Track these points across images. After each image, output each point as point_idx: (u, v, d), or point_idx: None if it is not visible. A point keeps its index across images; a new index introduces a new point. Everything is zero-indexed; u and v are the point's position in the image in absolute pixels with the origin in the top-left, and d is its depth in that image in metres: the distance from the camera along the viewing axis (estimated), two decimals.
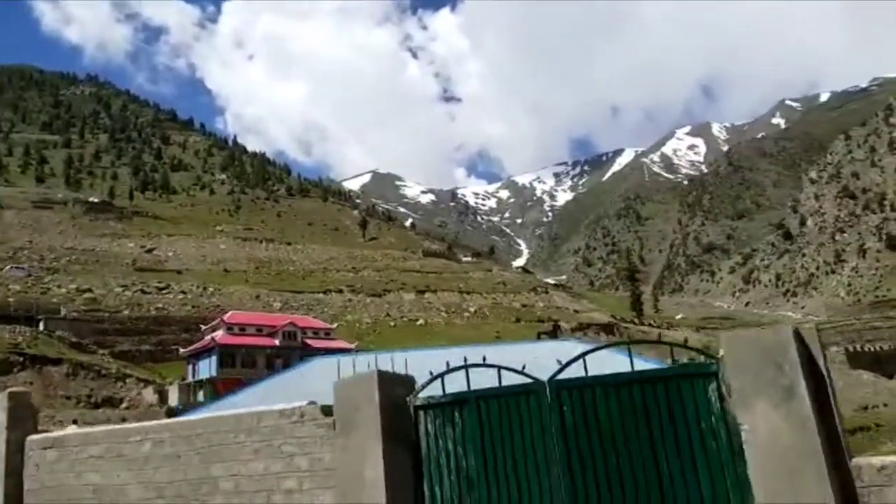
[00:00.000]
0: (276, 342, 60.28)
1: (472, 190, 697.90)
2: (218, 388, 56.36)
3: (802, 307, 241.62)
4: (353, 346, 66.76)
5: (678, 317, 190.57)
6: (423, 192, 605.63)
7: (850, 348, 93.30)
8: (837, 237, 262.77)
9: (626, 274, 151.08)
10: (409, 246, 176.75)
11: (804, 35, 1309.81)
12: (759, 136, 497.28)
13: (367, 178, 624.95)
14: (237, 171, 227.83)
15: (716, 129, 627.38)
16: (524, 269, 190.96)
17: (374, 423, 6.74)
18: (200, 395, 56.40)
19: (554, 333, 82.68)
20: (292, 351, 61.29)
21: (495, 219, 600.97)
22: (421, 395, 7.07)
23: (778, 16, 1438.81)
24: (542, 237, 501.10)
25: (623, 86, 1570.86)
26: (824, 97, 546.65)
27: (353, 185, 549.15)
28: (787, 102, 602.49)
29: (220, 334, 57.72)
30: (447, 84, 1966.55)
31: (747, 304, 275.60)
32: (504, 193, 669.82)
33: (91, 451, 9.02)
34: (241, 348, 58.05)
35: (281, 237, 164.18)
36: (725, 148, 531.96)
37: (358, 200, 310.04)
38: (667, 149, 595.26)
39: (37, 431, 10.19)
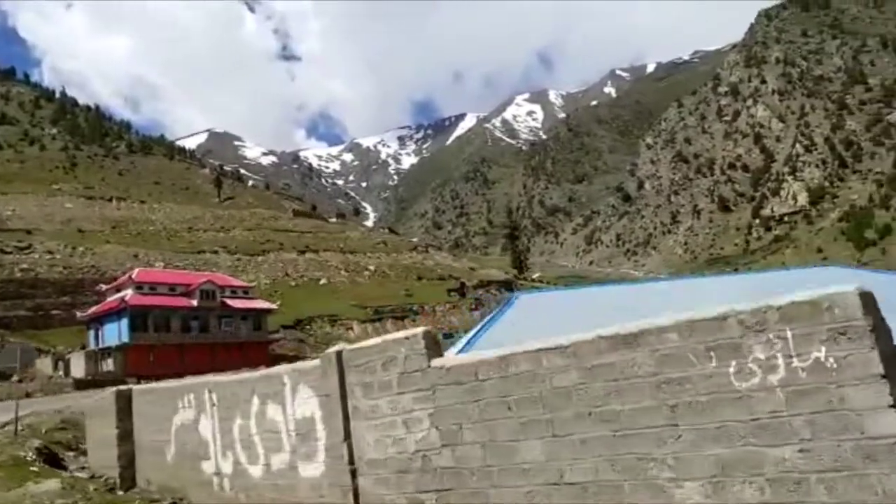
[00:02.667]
0: (194, 302, 53.96)
1: (315, 152, 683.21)
2: (130, 357, 49.74)
3: (643, 265, 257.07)
4: (274, 305, 61.68)
5: (535, 275, 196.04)
6: (265, 154, 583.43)
7: None
8: (673, 199, 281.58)
9: (507, 233, 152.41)
10: (269, 206, 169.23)
11: (632, 8, 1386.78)
12: (593, 103, 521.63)
13: (203, 137, 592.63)
14: (69, 126, 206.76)
15: (552, 96, 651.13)
16: (391, 230, 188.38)
17: None
18: (110, 364, 49.52)
19: (462, 291, 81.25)
20: (210, 312, 55.37)
21: (339, 182, 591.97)
22: None
23: None
24: (388, 200, 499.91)
25: (465, 50, 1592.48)
26: (651, 68, 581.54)
27: (189, 144, 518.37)
28: (618, 72, 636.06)
29: (129, 294, 50.52)
30: (287, 41, 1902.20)
31: (591, 262, 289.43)
32: (348, 156, 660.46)
33: None
34: (154, 310, 51.31)
35: (128, 196, 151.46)
36: (562, 115, 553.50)
37: (210, 160, 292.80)
38: (507, 114, 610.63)
39: None
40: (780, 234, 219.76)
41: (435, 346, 5.53)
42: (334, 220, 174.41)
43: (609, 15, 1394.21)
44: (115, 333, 50.43)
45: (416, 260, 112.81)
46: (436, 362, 5.35)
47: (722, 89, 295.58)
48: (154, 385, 11.27)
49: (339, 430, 6.18)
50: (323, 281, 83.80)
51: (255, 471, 7.48)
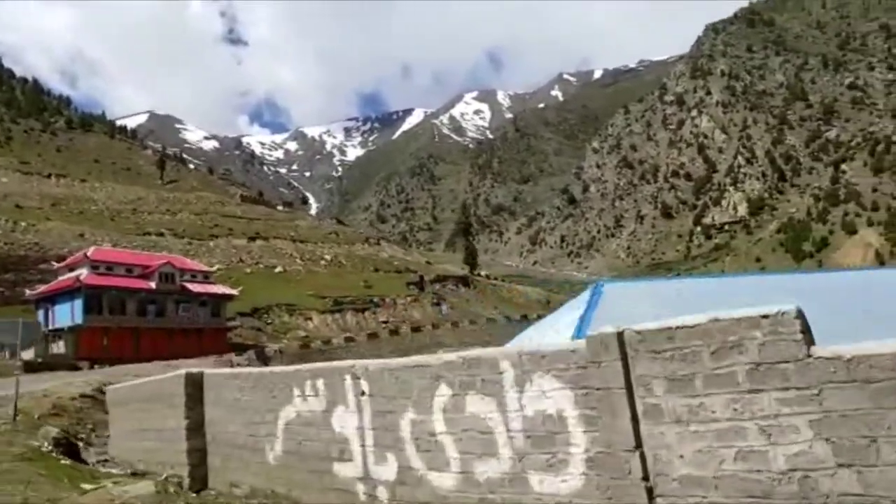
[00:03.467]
0: (152, 285, 51.00)
1: (259, 139, 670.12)
2: (83, 339, 46.69)
3: (586, 267, 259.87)
4: (235, 291, 59.03)
5: (483, 273, 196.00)
6: (206, 138, 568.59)
7: None
8: (617, 203, 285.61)
9: (461, 228, 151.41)
10: (213, 191, 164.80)
11: (581, 13, 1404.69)
12: (540, 106, 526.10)
13: (142, 118, 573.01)
14: (5, 99, 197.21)
15: (500, 96, 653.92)
16: (339, 221, 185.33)
17: None
18: (62, 346, 46.34)
19: (421, 285, 79.78)
20: (168, 296, 52.53)
21: (282, 170, 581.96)
22: None
23: None
24: (331, 192, 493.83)
25: (415, 45, 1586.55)
26: (598, 74, 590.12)
27: (129, 125, 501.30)
28: (565, 76, 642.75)
29: (84, 273, 47.29)
30: (234, 25, 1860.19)
31: (535, 263, 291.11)
32: (292, 145, 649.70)
33: None
34: (110, 290, 48.22)
35: (67, 173, 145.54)
36: (509, 115, 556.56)
37: (150, 142, 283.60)
38: (455, 111, 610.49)
39: None
40: (720, 242, 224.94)
41: (808, 330, 4.21)
42: (282, 208, 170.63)
43: (557, 19, 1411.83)
44: (68, 314, 47.32)
45: (370, 252, 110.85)
46: (820, 351, 4.05)
47: (668, 98, 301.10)
48: (252, 369, 9.56)
49: (620, 434, 4.80)
50: (278, 269, 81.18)
51: (444, 480, 6.01)
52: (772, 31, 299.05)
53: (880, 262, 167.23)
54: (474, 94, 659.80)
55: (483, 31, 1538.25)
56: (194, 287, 54.29)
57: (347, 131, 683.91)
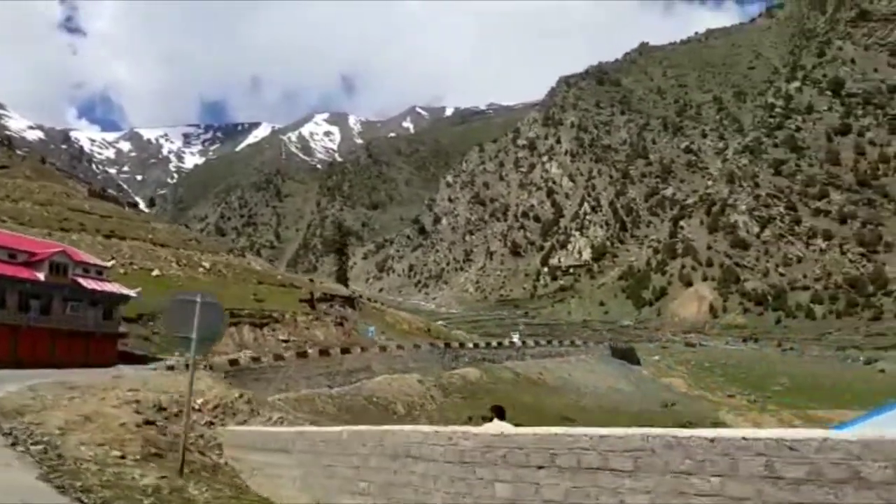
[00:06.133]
0: (41, 276, 43.31)
1: (89, 135, 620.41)
2: None
3: (434, 298, 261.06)
4: (134, 292, 51.83)
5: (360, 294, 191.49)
6: (31, 128, 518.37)
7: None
8: (468, 238, 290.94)
9: (336, 246, 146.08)
10: (56, 181, 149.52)
11: (437, 51, 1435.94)
12: (391, 135, 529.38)
13: None
14: None
15: (352, 120, 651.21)
16: (188, 227, 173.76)
17: None
18: None
19: (312, 303, 75.10)
20: (58, 289, 44.95)
21: (112, 170, 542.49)
22: None
23: (419, 26, 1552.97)
24: (165, 198, 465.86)
25: (267, 59, 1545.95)
26: (449, 111, 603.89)
27: None
28: (418, 109, 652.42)
29: None
30: (73, 13, 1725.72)
31: (381, 290, 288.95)
32: (125, 145, 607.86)
33: None
34: None
35: None
36: (359, 140, 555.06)
37: None
38: (305, 130, 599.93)
39: None
40: (565, 284, 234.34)
41: None
42: (129, 209, 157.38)
43: (413, 53, 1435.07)
44: None
45: (239, 263, 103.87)
46: None
47: (521, 142, 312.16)
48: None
49: None
50: (156, 272, 73.51)
51: None
52: (618, 90, 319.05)
53: (713, 314, 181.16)
54: (325, 115, 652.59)
55: (339, 55, 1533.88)
56: (87, 283, 47.11)
57: (187, 137, 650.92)
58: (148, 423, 13.50)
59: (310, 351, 48.75)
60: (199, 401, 16.08)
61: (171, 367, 39.40)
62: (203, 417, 15.44)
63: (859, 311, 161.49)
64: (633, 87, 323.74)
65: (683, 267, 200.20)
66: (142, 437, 12.10)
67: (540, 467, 5.74)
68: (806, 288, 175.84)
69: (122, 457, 10.58)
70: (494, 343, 68.37)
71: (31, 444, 11.15)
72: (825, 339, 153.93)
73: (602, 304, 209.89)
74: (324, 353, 48.07)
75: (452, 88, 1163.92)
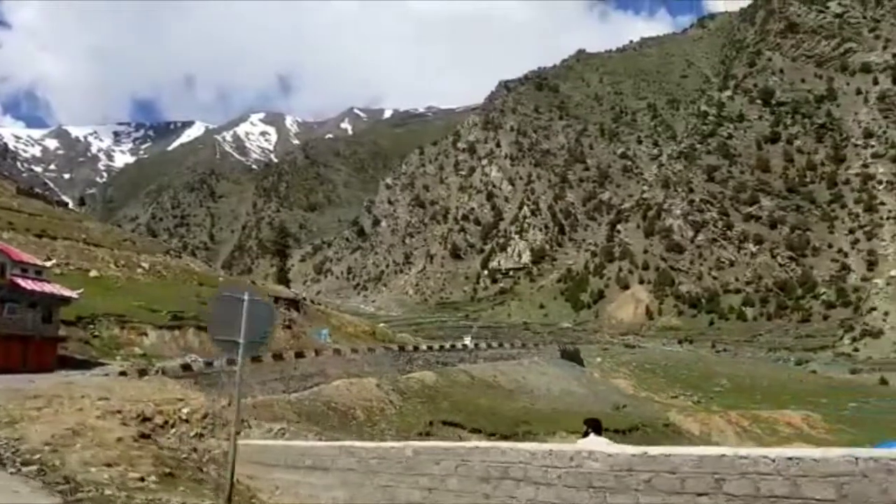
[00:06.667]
0: None
1: (13, 132, 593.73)
2: None
3: (373, 301, 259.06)
4: (75, 293, 49.17)
5: (305, 297, 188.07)
6: None
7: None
8: (408, 241, 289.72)
9: (277, 248, 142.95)
10: None
11: (374, 53, 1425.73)
12: (329, 136, 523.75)
13: None
14: None
15: (289, 121, 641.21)
16: (120, 227, 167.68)
17: None
18: None
19: None
20: None
21: (38, 169, 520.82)
22: None
23: (356, 27, 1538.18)
24: (93, 197, 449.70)
25: (201, 58, 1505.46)
26: (388, 113, 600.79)
27: None
28: (356, 111, 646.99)
29: None
30: None
31: (318, 292, 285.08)
32: (52, 143, 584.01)
33: None
34: None
35: None
36: (296, 141, 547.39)
37: None
38: (240, 130, 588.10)
39: None
40: (505, 287, 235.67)
41: None
42: (59, 208, 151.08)
43: (351, 54, 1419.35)
44: None
45: (181, 264, 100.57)
46: None
47: (461, 145, 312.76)
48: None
49: None
50: (94, 273, 70.26)
51: None
52: (556, 96, 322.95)
53: (649, 316, 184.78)
54: (261, 115, 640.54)
55: (275, 54, 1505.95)
56: (26, 284, 44.51)
57: (117, 136, 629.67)
58: (144, 436, 12.33)
59: (263, 356, 47.26)
60: (185, 410, 14.90)
61: (123, 373, 37.45)
62: (192, 429, 14.25)
63: (789, 313, 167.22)
64: (571, 93, 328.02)
65: (620, 270, 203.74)
66: (151, 454, 10.95)
67: (700, 495, 5.01)
68: (738, 291, 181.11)
69: (142, 479, 9.48)
70: (448, 345, 67.91)
71: (21, 463, 9.97)
72: (757, 340, 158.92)
73: (542, 306, 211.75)
74: (278, 357, 46.63)
75: (390, 90, 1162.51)
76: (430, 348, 62.13)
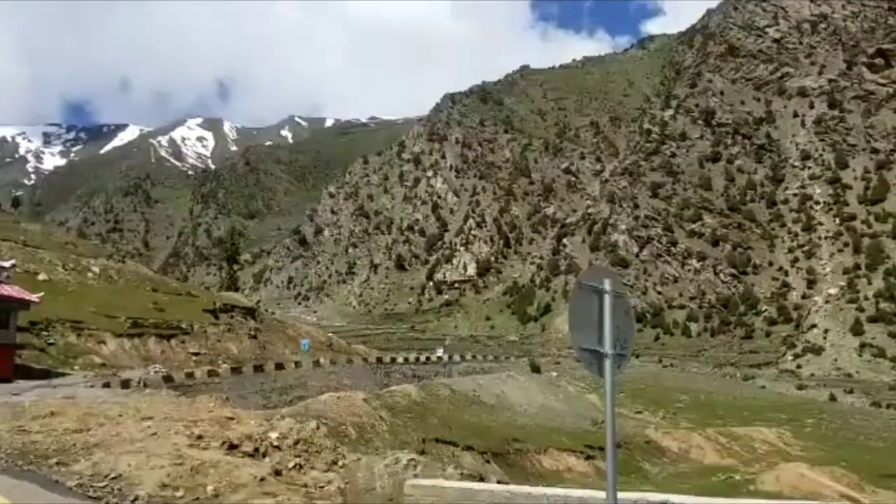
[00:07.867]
0: None
1: None
2: None
3: (315, 311, 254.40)
4: (35, 297, 45.44)
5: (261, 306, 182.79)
6: None
7: None
8: (351, 251, 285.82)
9: (227, 255, 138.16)
10: None
11: (315, 61, 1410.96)
12: (269, 143, 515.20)
13: None
14: None
15: (227, 127, 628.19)
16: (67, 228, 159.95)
17: None
18: None
19: (215, 313, 69.74)
20: None
21: None
22: None
23: (296, 34, 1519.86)
24: (20, 200, 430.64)
25: (137, 60, 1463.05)
26: (329, 122, 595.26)
27: None
28: (296, 119, 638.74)
29: None
30: None
31: (258, 301, 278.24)
32: None
33: None
34: None
35: None
36: (234, 148, 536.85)
37: None
38: (176, 135, 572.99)
39: None
40: (450, 298, 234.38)
41: None
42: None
43: (291, 62, 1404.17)
44: None
45: (125, 269, 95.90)
46: None
47: (406, 156, 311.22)
48: None
49: None
50: (42, 276, 65.82)
51: None
52: (501, 110, 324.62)
53: None
54: (199, 120, 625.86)
55: (213, 58, 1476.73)
56: None
57: (47, 137, 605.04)
58: (277, 473, 10.25)
59: (241, 367, 44.68)
60: (274, 435, 12.69)
61: (107, 385, 34.52)
62: (286, 458, 12.06)
63: (732, 329, 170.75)
64: (516, 108, 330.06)
65: (567, 283, 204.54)
66: (309, 499, 8.90)
67: None
68: (682, 307, 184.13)
69: None
70: (423, 358, 66.11)
71: None
72: (702, 356, 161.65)
73: (488, 318, 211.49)
74: (258, 368, 44.12)
75: (332, 99, 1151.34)
76: (406, 360, 60.33)
